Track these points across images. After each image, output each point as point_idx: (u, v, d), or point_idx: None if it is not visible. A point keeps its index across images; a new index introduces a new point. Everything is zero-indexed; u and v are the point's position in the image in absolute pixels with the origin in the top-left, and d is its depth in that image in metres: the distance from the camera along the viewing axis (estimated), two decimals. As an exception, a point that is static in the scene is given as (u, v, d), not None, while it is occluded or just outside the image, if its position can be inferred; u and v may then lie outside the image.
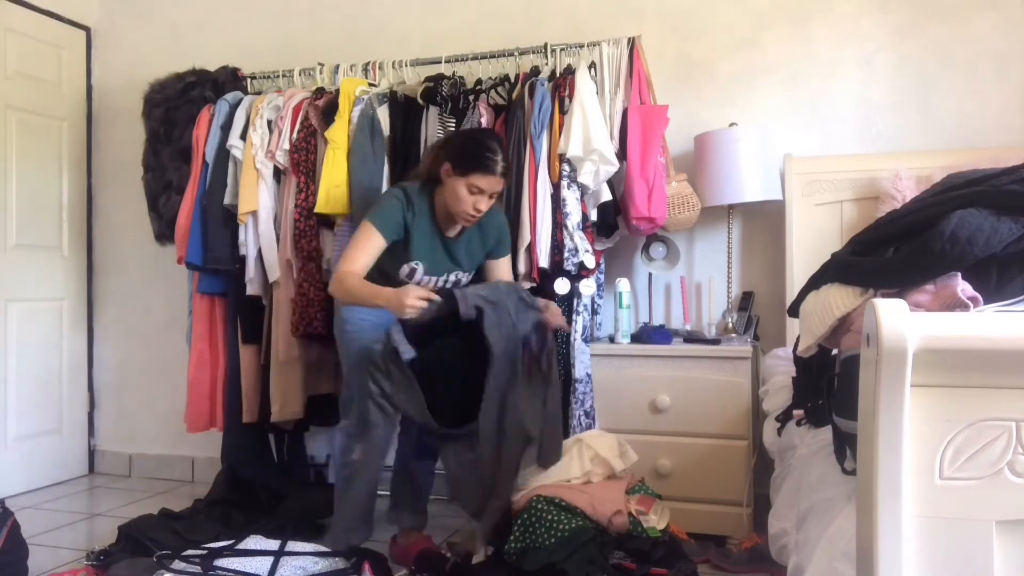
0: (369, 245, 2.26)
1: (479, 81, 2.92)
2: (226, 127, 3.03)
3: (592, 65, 2.77)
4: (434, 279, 2.41)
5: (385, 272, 2.34)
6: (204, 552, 2.06)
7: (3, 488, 3.28)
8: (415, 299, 2.07)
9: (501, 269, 2.51)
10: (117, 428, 3.83)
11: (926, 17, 2.87)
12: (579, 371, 2.64)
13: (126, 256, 3.80)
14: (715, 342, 2.68)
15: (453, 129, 2.78)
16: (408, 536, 2.51)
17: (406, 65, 3.05)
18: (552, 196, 2.66)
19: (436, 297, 2.12)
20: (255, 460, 3.06)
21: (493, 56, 2.97)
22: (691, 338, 2.77)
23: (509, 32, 3.12)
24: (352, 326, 2.40)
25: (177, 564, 2.01)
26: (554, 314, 2.30)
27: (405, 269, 2.36)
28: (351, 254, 2.25)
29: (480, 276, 2.51)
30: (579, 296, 2.68)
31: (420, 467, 2.57)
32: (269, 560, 2.04)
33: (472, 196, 2.28)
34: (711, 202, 2.82)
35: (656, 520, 2.23)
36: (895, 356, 0.94)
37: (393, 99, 2.90)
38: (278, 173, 2.99)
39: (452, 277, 2.44)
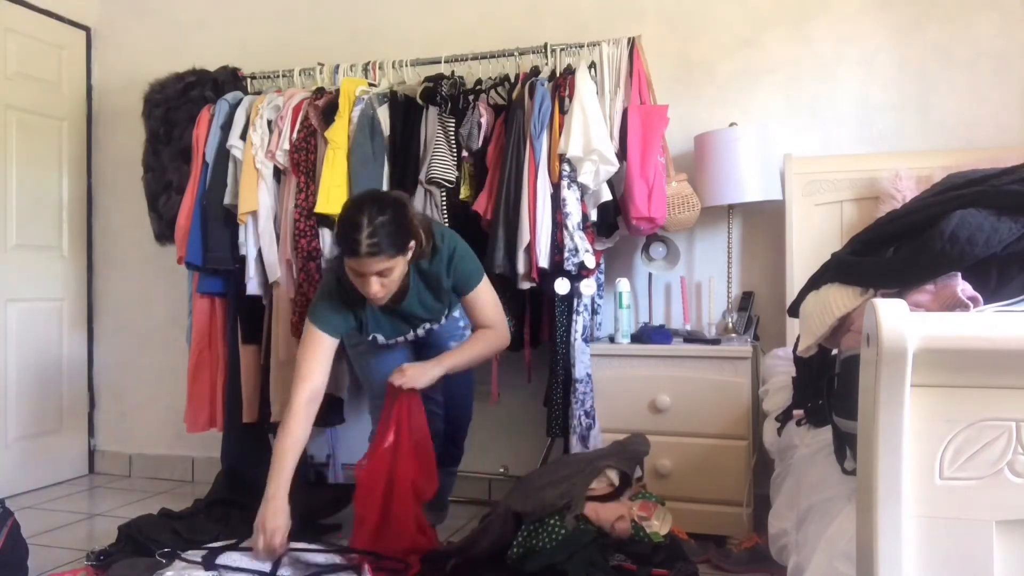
0: (318, 349, 2.18)
1: (479, 81, 2.92)
2: (226, 127, 3.03)
3: (592, 65, 2.77)
4: (400, 338, 2.40)
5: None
6: (205, 551, 2.06)
7: (3, 488, 3.28)
8: (262, 547, 2.00)
9: (476, 304, 2.32)
10: (117, 428, 3.83)
11: (926, 17, 2.87)
12: (579, 371, 2.64)
13: (126, 256, 3.80)
14: (715, 342, 2.68)
15: (453, 129, 2.78)
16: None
17: (406, 65, 3.05)
18: (552, 196, 2.66)
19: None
20: (255, 460, 3.05)
21: (493, 56, 2.97)
22: (691, 338, 2.77)
23: (509, 32, 3.12)
24: (363, 360, 2.49)
25: (178, 563, 2.01)
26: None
27: (367, 339, 2.34)
28: (303, 366, 2.16)
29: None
30: (579, 296, 2.68)
31: (441, 471, 2.58)
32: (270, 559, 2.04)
33: (357, 278, 2.08)
34: (711, 202, 2.82)
35: (659, 526, 2.23)
36: (895, 356, 0.94)
37: (393, 99, 2.90)
38: (278, 173, 2.99)
39: (420, 331, 2.41)
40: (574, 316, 2.68)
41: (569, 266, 2.62)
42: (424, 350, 2.51)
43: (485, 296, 2.33)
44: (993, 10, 2.81)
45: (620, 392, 2.68)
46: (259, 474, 2.94)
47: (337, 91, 2.93)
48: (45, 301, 3.62)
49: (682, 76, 3.08)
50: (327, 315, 2.20)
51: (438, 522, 2.66)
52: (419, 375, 2.24)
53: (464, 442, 2.73)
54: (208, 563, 1.99)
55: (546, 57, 2.89)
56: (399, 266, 2.08)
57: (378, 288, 2.07)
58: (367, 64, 3.10)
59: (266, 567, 2.00)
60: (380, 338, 2.37)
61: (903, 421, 0.96)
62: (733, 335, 2.80)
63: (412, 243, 2.11)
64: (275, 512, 2.03)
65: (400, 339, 2.42)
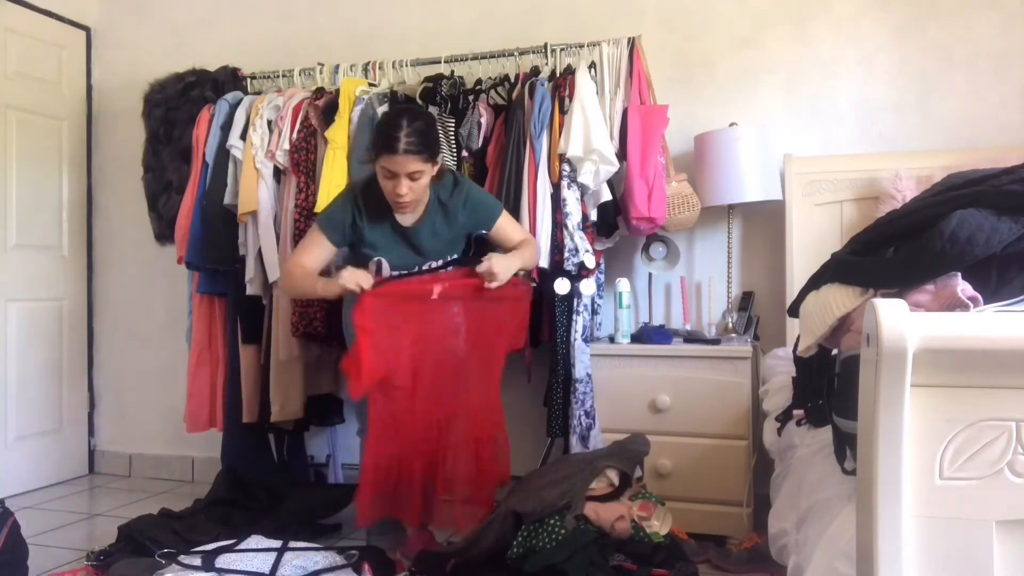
0: (314, 246, 2.29)
1: (479, 81, 2.92)
2: (226, 127, 3.03)
3: (592, 65, 2.77)
4: (403, 271, 2.37)
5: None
6: (206, 551, 2.06)
7: (3, 488, 3.28)
8: (350, 281, 2.14)
9: (505, 236, 2.41)
10: (117, 428, 3.83)
11: (926, 17, 2.87)
12: (579, 371, 2.64)
13: (126, 256, 3.80)
14: (715, 342, 2.68)
15: (453, 129, 2.78)
16: (418, 533, 2.53)
17: (406, 65, 3.05)
18: (552, 196, 2.66)
19: (367, 282, 2.16)
20: (255, 460, 3.06)
21: (493, 56, 2.97)
22: (691, 338, 2.77)
23: (509, 32, 3.12)
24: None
25: (176, 566, 2.01)
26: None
27: (371, 267, 2.33)
28: (298, 251, 2.31)
29: (492, 248, 2.42)
30: (579, 296, 2.68)
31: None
32: (271, 558, 2.04)
33: (388, 180, 2.18)
34: (711, 202, 2.82)
35: (659, 526, 2.23)
36: (895, 356, 0.94)
37: (393, 99, 2.90)
38: (278, 173, 2.99)
39: (426, 267, 2.40)
40: (574, 316, 2.68)
41: (569, 266, 2.62)
42: None
43: (510, 224, 2.45)
44: (993, 10, 2.81)
45: (620, 392, 2.68)
46: (259, 474, 2.97)
47: (337, 91, 2.93)
48: (45, 301, 3.62)
49: (682, 76, 3.08)
50: (333, 217, 2.29)
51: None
52: (504, 269, 2.29)
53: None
54: (207, 565, 1.99)
55: (546, 57, 2.89)
56: (427, 173, 2.20)
57: (406, 189, 2.17)
58: (367, 64, 3.10)
59: (266, 567, 2.00)
60: (383, 264, 2.34)
61: (903, 421, 0.96)
62: (733, 335, 2.80)
63: (440, 156, 2.25)
64: (356, 271, 2.19)
65: (404, 271, 2.37)
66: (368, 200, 2.29)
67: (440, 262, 2.42)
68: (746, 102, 3.02)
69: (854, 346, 1.20)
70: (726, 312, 2.90)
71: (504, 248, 2.42)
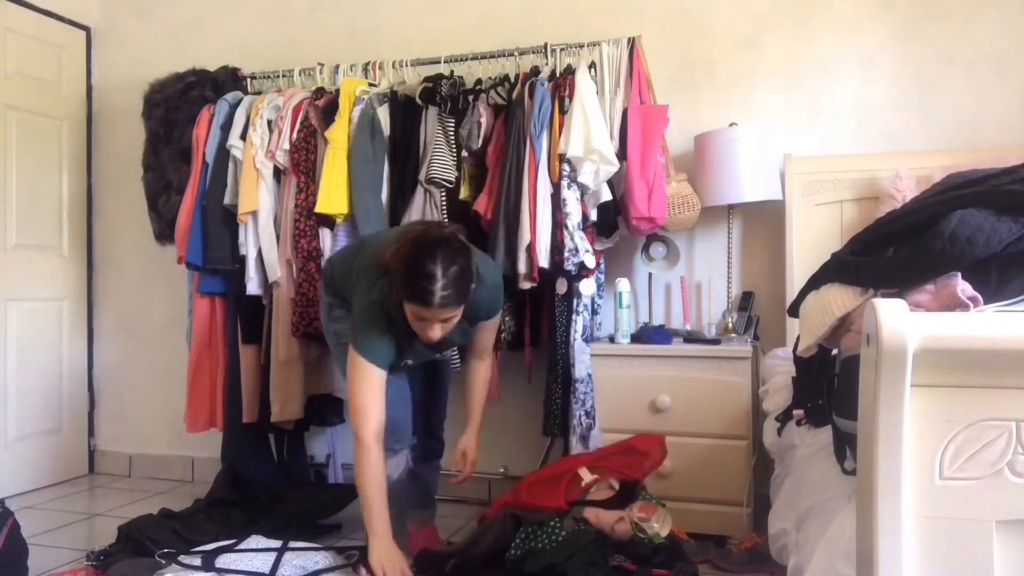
0: (374, 384, 2.11)
1: (479, 81, 2.92)
2: (226, 127, 3.03)
3: (592, 65, 2.77)
4: (421, 360, 2.43)
5: None
6: (206, 551, 2.06)
7: (3, 488, 3.28)
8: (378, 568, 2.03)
9: (487, 330, 2.41)
10: (117, 428, 3.83)
11: (926, 17, 2.87)
12: (579, 371, 2.64)
13: (126, 256, 3.80)
14: (715, 342, 2.68)
15: (453, 129, 2.78)
16: (419, 529, 2.55)
17: (406, 65, 3.05)
18: (552, 196, 2.66)
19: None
20: (255, 460, 3.06)
21: (493, 56, 2.97)
22: (691, 338, 2.77)
23: (509, 32, 3.12)
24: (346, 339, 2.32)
25: (176, 566, 2.01)
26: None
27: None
28: (362, 404, 2.09)
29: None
30: (579, 296, 2.68)
31: (425, 467, 2.61)
32: (271, 558, 2.04)
33: (420, 322, 2.04)
34: (711, 202, 2.82)
35: (659, 527, 2.23)
36: (895, 356, 0.94)
37: (393, 99, 2.90)
38: (278, 173, 2.99)
39: (437, 356, 2.48)
40: (574, 316, 2.68)
41: (569, 266, 2.62)
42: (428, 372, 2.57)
43: (496, 324, 2.45)
44: (993, 10, 2.81)
45: (620, 392, 2.68)
46: (259, 474, 2.97)
47: (337, 91, 2.93)
48: (45, 301, 3.62)
49: (682, 76, 3.08)
50: (376, 347, 2.12)
51: (428, 521, 2.63)
52: (477, 454, 2.46)
53: (443, 434, 2.69)
54: (207, 565, 1.99)
55: (546, 57, 2.89)
56: (460, 313, 2.07)
57: (439, 333, 2.05)
58: (367, 64, 3.10)
59: (266, 567, 2.00)
60: (410, 362, 2.37)
61: (903, 421, 0.96)
62: (733, 335, 2.80)
63: (474, 287, 2.06)
64: (391, 551, 2.07)
65: (421, 360, 2.43)
66: (396, 317, 2.12)
67: (449, 353, 2.52)
68: (746, 102, 3.02)
69: (854, 346, 1.20)
70: (726, 312, 2.90)
71: (475, 340, 2.39)
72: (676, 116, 2.89)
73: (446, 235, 2.05)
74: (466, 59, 2.99)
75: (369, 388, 2.10)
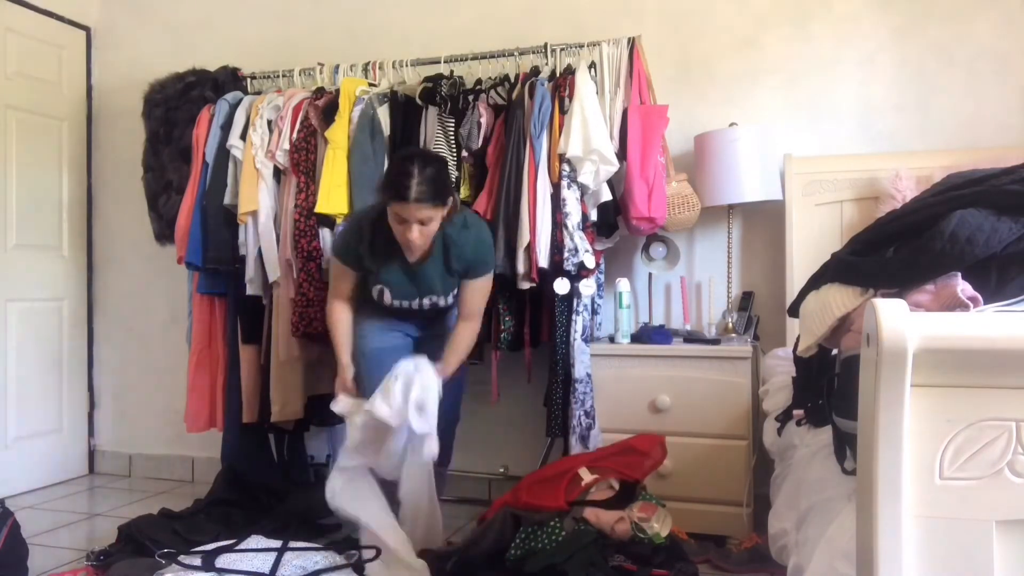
0: (341, 274, 2.41)
1: (479, 81, 2.92)
2: (226, 127, 3.03)
3: (592, 65, 2.77)
4: (404, 302, 2.42)
5: (366, 294, 2.44)
6: (206, 551, 2.06)
7: (3, 488, 3.28)
8: (340, 390, 2.38)
9: (474, 291, 2.41)
10: (117, 428, 3.83)
11: (926, 17, 2.87)
12: (579, 371, 2.64)
13: (126, 256, 3.80)
14: (715, 342, 2.68)
15: (453, 129, 2.78)
16: None
17: (406, 65, 3.05)
18: (552, 196, 2.66)
19: (350, 400, 2.33)
20: (255, 460, 3.06)
21: (493, 56, 2.97)
22: (691, 338, 2.77)
23: (509, 32, 3.11)
24: (360, 328, 2.47)
25: (176, 566, 2.01)
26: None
27: (375, 291, 2.40)
28: (332, 284, 2.46)
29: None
30: (579, 296, 2.68)
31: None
32: (271, 558, 2.04)
33: (398, 225, 2.21)
34: (711, 202, 2.82)
35: (659, 527, 2.23)
36: (895, 356, 0.94)
37: (393, 99, 2.90)
38: (278, 173, 2.98)
39: (426, 302, 2.43)
40: (574, 316, 2.68)
41: (569, 266, 2.62)
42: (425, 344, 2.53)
43: (486, 286, 2.46)
44: (993, 10, 2.81)
45: (620, 392, 2.68)
46: (259, 474, 2.97)
47: (337, 91, 2.93)
48: (45, 301, 3.62)
49: (682, 76, 3.08)
50: (344, 248, 2.39)
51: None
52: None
53: (452, 443, 2.70)
54: (207, 565, 1.99)
55: (546, 57, 2.89)
56: (437, 218, 2.23)
57: (417, 235, 2.20)
58: (367, 64, 3.10)
59: (266, 567, 2.00)
60: (385, 291, 2.39)
61: (903, 421, 0.96)
62: (733, 335, 2.80)
63: (450, 200, 2.26)
64: (345, 369, 2.41)
65: (402, 304, 2.42)
66: (376, 233, 2.32)
67: (428, 303, 2.43)
68: (746, 102, 3.02)
69: (854, 346, 1.20)
70: (726, 312, 2.90)
71: (461, 303, 2.44)
72: (676, 116, 2.89)
73: (426, 150, 2.48)
74: (466, 59, 2.99)
75: (341, 279, 2.42)
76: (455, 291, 2.43)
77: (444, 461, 2.67)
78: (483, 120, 2.77)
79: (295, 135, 2.92)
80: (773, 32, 3.00)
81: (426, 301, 2.43)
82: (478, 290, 2.43)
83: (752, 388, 2.59)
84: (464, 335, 2.43)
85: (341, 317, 2.44)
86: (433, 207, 2.18)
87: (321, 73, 3.15)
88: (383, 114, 2.86)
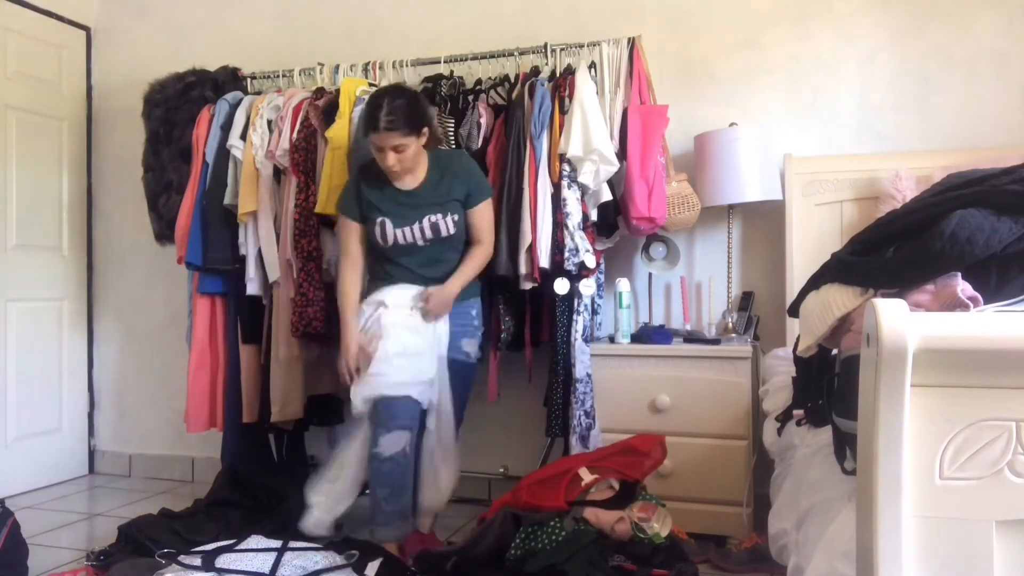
0: (347, 233, 2.54)
1: (479, 81, 2.92)
2: (226, 127, 3.03)
3: (592, 65, 2.77)
4: (407, 230, 2.47)
5: (373, 245, 2.52)
6: (206, 551, 2.06)
7: (3, 488, 3.28)
8: (343, 364, 2.44)
9: (481, 218, 2.54)
10: (117, 428, 3.83)
11: (926, 17, 2.87)
12: (579, 371, 2.64)
13: (126, 256, 3.80)
14: (715, 342, 2.68)
15: (453, 129, 2.78)
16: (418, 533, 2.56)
17: (406, 65, 3.05)
18: (552, 196, 2.66)
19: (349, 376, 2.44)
20: (255, 460, 3.06)
21: (493, 56, 2.97)
22: (691, 338, 2.77)
23: (509, 32, 3.12)
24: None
25: (176, 566, 2.01)
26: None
27: (376, 230, 2.48)
28: (341, 244, 2.57)
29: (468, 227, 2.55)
30: (579, 296, 2.68)
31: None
32: (271, 558, 2.04)
33: (378, 154, 2.39)
34: (711, 202, 2.82)
35: (659, 527, 2.23)
36: (895, 356, 0.94)
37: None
38: (278, 173, 2.98)
39: (426, 222, 2.47)
40: (574, 316, 2.68)
41: (569, 266, 2.62)
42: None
43: (488, 213, 2.57)
44: (993, 10, 2.81)
45: (620, 392, 2.68)
46: (259, 474, 2.97)
47: (337, 91, 2.93)
48: (45, 301, 3.62)
49: (682, 76, 3.08)
50: (345, 200, 2.55)
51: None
52: (442, 302, 2.47)
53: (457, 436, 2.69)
54: (207, 565, 1.99)
55: (546, 57, 2.89)
56: (412, 145, 2.38)
57: (394, 161, 2.37)
58: (367, 64, 3.10)
59: (266, 567, 2.00)
60: (386, 223, 2.46)
61: (903, 421, 0.96)
62: (733, 335, 2.80)
63: (425, 129, 2.41)
64: (350, 334, 2.46)
65: (404, 234, 2.46)
66: (369, 173, 2.51)
67: (443, 222, 2.48)
68: (746, 102, 3.02)
69: (854, 346, 1.20)
70: (726, 312, 2.90)
71: (472, 232, 2.54)
72: (676, 116, 2.89)
73: (402, 85, 2.66)
74: (466, 59, 2.99)
75: (348, 235, 2.54)
76: (456, 216, 2.48)
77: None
78: (483, 120, 2.77)
79: (295, 135, 2.92)
80: (773, 32, 3.00)
81: (427, 224, 2.46)
82: (486, 216, 2.55)
83: (752, 388, 2.59)
84: (476, 255, 2.55)
85: (349, 280, 2.53)
86: (403, 135, 2.34)
87: (321, 73, 3.15)
88: (383, 114, 2.86)
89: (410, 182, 2.48)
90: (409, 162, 2.41)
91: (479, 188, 2.53)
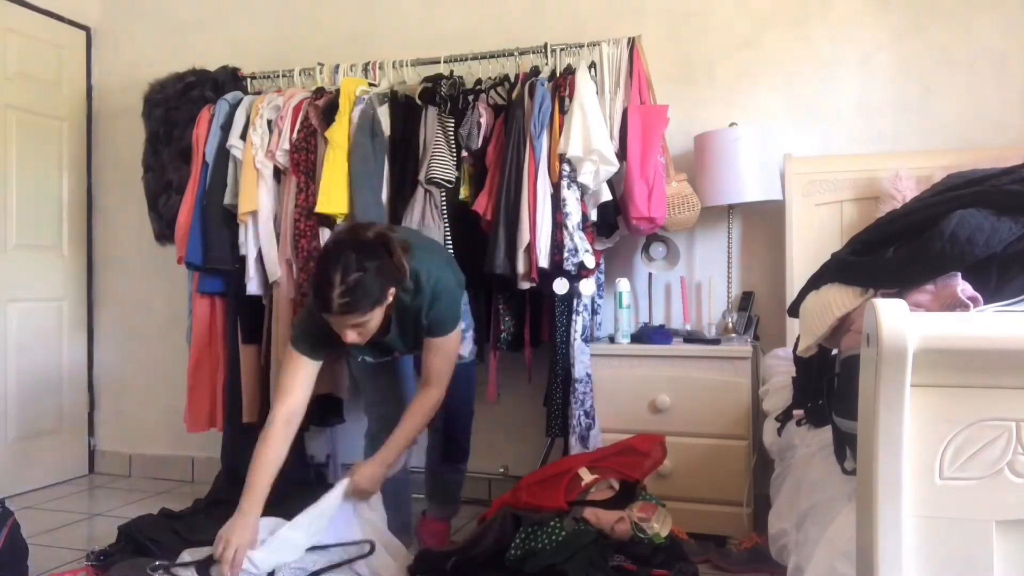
0: (300, 371, 2.13)
1: (479, 81, 2.92)
2: (226, 127, 3.03)
3: (592, 65, 2.77)
4: (389, 358, 2.42)
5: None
6: (198, 561, 2.03)
7: (3, 488, 3.28)
8: (222, 560, 1.91)
9: (436, 351, 2.22)
10: (117, 428, 3.83)
11: (926, 17, 2.87)
12: (579, 371, 2.64)
13: (126, 256, 3.80)
14: (715, 342, 2.68)
15: (452, 129, 2.78)
16: (434, 520, 2.64)
17: (406, 65, 3.05)
18: (552, 196, 2.66)
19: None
20: (255, 460, 3.05)
21: (493, 56, 2.97)
22: (691, 338, 2.77)
23: (509, 32, 3.12)
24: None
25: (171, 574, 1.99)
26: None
27: (356, 360, 2.41)
28: (284, 383, 2.14)
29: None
30: (579, 296, 2.68)
31: (445, 468, 2.64)
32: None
33: (336, 329, 2.01)
34: (711, 202, 2.82)
35: (659, 527, 2.23)
36: (895, 356, 0.94)
37: (393, 99, 2.90)
38: (278, 173, 2.98)
39: (398, 355, 2.44)
40: (574, 316, 2.68)
41: (569, 266, 2.62)
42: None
43: (448, 347, 2.25)
44: (993, 10, 2.81)
45: (620, 392, 2.68)
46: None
47: (337, 91, 2.93)
48: (45, 301, 3.62)
49: (682, 76, 3.08)
50: (309, 343, 2.13)
51: (445, 516, 2.68)
52: (373, 479, 2.16)
53: (468, 439, 2.67)
54: (201, 572, 1.98)
55: (546, 57, 2.89)
56: (374, 318, 2.02)
57: (355, 337, 2.02)
58: (367, 64, 3.10)
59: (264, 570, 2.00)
60: (368, 359, 2.40)
61: (903, 421, 0.96)
62: (733, 335, 2.80)
63: (392, 290, 2.04)
64: (244, 528, 1.98)
65: (389, 358, 2.44)
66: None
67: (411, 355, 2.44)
68: (746, 102, 3.02)
69: (854, 346, 1.20)
70: (726, 312, 2.90)
71: (424, 361, 2.25)
72: (676, 116, 2.89)
73: (362, 239, 2.00)
74: (466, 59, 2.99)
75: (293, 372, 2.13)
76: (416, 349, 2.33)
77: (461, 458, 2.67)
78: (483, 120, 2.77)
79: (295, 135, 2.92)
80: (773, 32, 3.00)
81: (398, 356, 2.45)
82: (439, 351, 2.22)
83: (752, 388, 2.59)
84: (417, 408, 2.23)
85: (273, 450, 2.07)
86: (362, 314, 1.96)
87: (321, 73, 3.15)
88: (383, 114, 2.86)
89: (368, 338, 2.11)
90: (371, 331, 2.06)
91: (439, 325, 2.20)
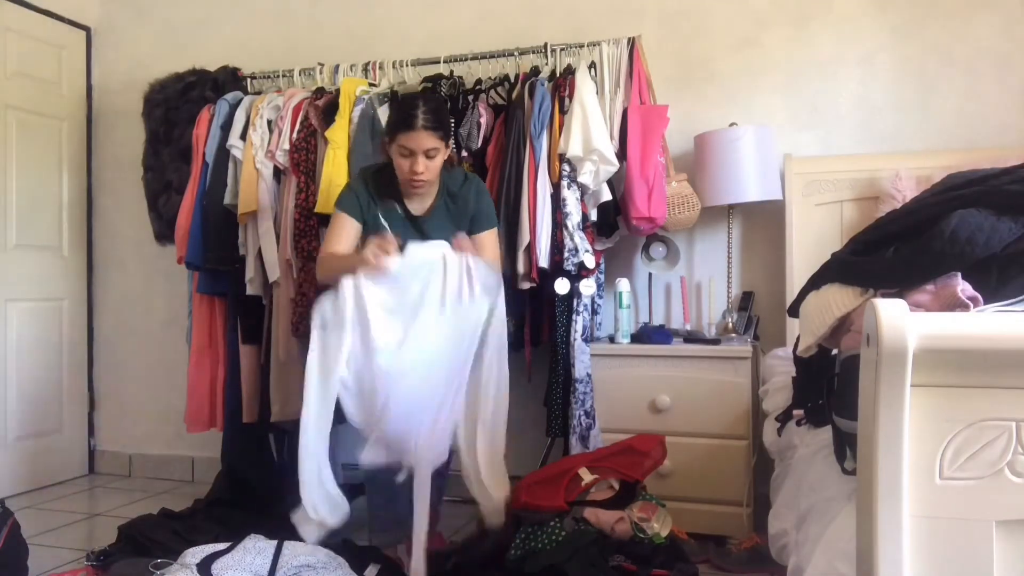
0: (342, 229, 2.30)
1: (479, 81, 2.92)
2: (226, 127, 3.03)
3: (592, 65, 2.77)
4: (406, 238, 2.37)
5: None
6: (199, 561, 2.03)
7: (3, 488, 3.28)
8: (373, 253, 2.00)
9: (486, 246, 2.32)
10: (117, 428, 3.83)
11: (926, 17, 2.87)
12: (579, 371, 2.64)
13: (126, 256, 3.80)
14: (715, 342, 2.68)
15: (453, 129, 2.78)
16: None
17: (406, 65, 3.05)
18: (552, 196, 2.66)
19: (392, 250, 2.01)
20: (255, 460, 3.05)
21: (493, 56, 2.97)
22: (691, 338, 2.77)
23: (509, 32, 3.12)
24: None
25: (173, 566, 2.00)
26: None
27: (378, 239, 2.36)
28: (329, 240, 2.32)
29: None
30: (579, 296, 2.68)
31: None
32: (269, 559, 2.03)
33: (405, 160, 2.21)
34: (711, 202, 2.82)
35: (659, 527, 2.23)
36: (895, 356, 0.94)
37: (393, 99, 2.90)
38: (278, 173, 2.98)
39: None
40: (574, 316, 2.68)
41: (569, 266, 2.62)
42: None
43: (491, 241, 2.39)
44: (993, 10, 2.81)
45: (620, 392, 2.68)
46: (259, 474, 2.97)
47: (337, 91, 2.93)
48: (45, 301, 3.62)
49: (682, 76, 3.08)
50: (349, 201, 2.32)
51: (434, 524, 2.63)
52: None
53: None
54: (203, 570, 1.98)
55: (546, 57, 2.89)
56: (442, 154, 2.25)
57: (423, 167, 2.20)
58: (367, 64, 3.10)
59: (264, 568, 2.00)
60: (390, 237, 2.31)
61: (903, 421, 0.96)
62: (733, 335, 2.80)
63: (451, 140, 2.35)
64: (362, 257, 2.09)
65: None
66: (379, 185, 2.34)
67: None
68: (746, 102, 3.02)
69: (854, 346, 1.20)
70: (726, 312, 2.90)
71: None
72: (676, 116, 2.89)
73: (428, 90, 2.67)
74: (466, 59, 2.99)
75: (339, 233, 2.30)
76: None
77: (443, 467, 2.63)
78: (483, 120, 2.77)
79: (295, 135, 2.92)
80: (773, 32, 3.00)
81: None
82: (486, 244, 2.34)
83: (752, 388, 2.59)
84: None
85: (337, 257, 2.24)
86: (438, 138, 2.21)
87: (321, 73, 3.15)
88: (383, 114, 2.86)
89: (419, 206, 2.34)
90: (434, 173, 2.26)
91: (486, 217, 2.38)
